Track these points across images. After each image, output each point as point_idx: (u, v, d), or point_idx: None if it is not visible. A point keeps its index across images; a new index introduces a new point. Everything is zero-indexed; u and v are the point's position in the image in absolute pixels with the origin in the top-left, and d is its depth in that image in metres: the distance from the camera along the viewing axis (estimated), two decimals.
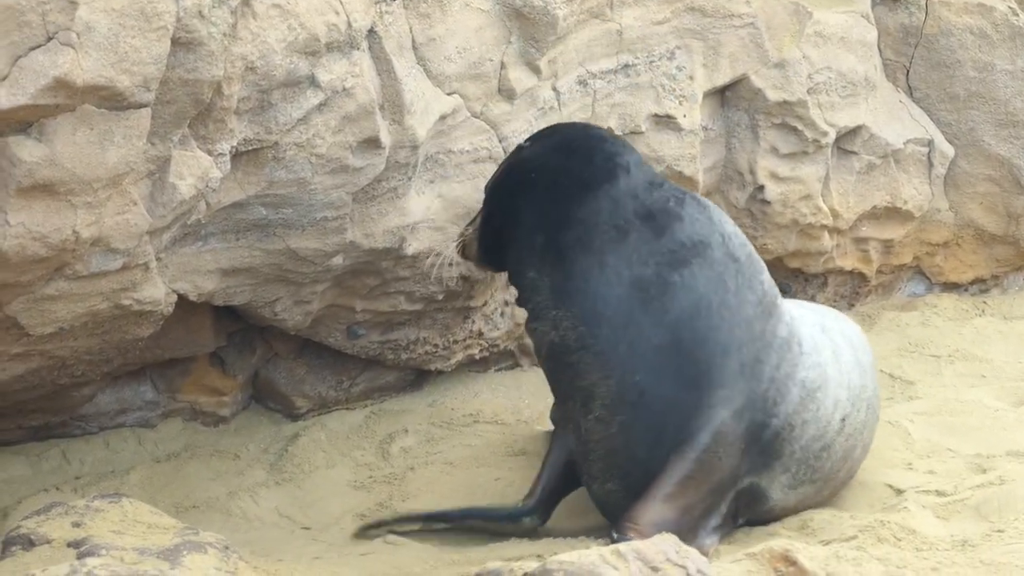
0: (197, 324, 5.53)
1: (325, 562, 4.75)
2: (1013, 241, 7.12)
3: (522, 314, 5.62)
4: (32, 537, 4.15)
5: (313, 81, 4.88)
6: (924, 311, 6.92)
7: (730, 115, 6.37)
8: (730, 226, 5.01)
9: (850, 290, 6.96)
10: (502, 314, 6.00)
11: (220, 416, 5.84)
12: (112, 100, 4.29)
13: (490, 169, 5.40)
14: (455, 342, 5.91)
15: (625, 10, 5.89)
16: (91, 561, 3.83)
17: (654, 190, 4.98)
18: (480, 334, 5.96)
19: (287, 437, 5.78)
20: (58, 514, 4.25)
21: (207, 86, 4.51)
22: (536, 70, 5.63)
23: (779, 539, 4.52)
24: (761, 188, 6.39)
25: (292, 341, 5.80)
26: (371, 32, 5.08)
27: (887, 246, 6.93)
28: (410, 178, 5.32)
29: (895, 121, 6.80)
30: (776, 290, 5.04)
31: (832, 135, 6.50)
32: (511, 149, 5.39)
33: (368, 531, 5.15)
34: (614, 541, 4.50)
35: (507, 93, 5.57)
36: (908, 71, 6.92)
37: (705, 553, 4.61)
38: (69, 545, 4.09)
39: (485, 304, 5.91)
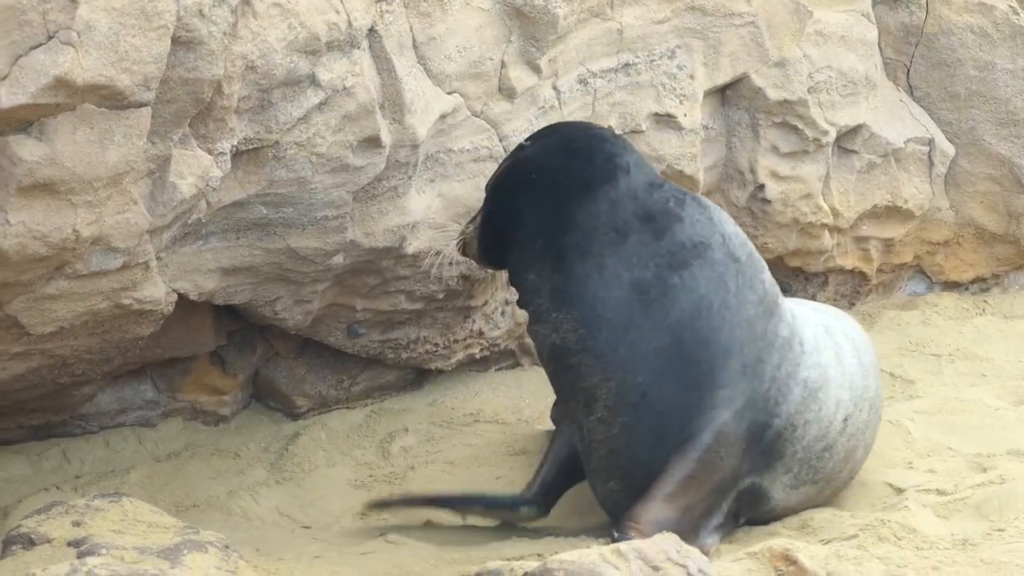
0: (197, 323, 5.52)
1: (325, 561, 4.75)
2: (1013, 240, 7.11)
3: (522, 314, 5.62)
4: (32, 536, 4.14)
5: (313, 80, 4.88)
6: (925, 310, 6.91)
7: (731, 114, 6.37)
8: (730, 226, 5.00)
9: (851, 289, 6.95)
10: (503, 313, 6.00)
11: (220, 415, 5.83)
12: (112, 99, 4.29)
13: (490, 168, 5.40)
14: (455, 341, 5.91)
15: (625, 9, 5.88)
16: (91, 560, 3.83)
17: (654, 191, 4.97)
18: (480, 333, 5.96)
19: (287, 436, 5.77)
20: (58, 513, 4.24)
21: (207, 85, 4.51)
22: (536, 69, 5.62)
23: (779, 538, 4.52)
24: (762, 187, 6.39)
25: (292, 340, 5.79)
26: (371, 31, 5.08)
27: (888, 245, 6.92)
28: (410, 177, 5.31)
29: (896, 120, 6.80)
30: (777, 289, 5.03)
31: (833, 134, 6.49)
32: (511, 148, 5.38)
33: (375, 507, 5.23)
34: (615, 540, 4.49)
35: (507, 92, 5.57)
36: (909, 70, 6.91)
37: (706, 552, 4.61)
38: (69, 544, 4.09)
39: (486, 303, 5.90)
